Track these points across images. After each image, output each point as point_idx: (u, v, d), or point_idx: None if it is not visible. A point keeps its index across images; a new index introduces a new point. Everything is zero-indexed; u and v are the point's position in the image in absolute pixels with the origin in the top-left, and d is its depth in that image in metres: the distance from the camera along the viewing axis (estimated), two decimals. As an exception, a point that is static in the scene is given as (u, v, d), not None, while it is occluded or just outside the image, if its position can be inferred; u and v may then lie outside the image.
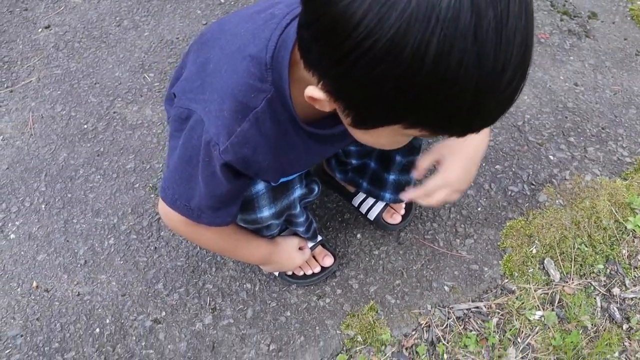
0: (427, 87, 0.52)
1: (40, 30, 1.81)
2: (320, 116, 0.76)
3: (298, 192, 1.00)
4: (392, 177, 1.20)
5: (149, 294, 1.26)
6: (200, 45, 0.86)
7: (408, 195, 0.95)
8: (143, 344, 1.19)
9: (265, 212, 0.96)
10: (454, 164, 0.94)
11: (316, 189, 1.07)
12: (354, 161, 1.22)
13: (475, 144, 0.95)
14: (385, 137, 0.68)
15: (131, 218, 1.38)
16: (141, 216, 1.38)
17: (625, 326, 1.23)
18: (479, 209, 1.38)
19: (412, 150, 1.15)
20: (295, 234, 1.19)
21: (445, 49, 0.49)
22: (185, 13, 1.85)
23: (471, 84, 0.51)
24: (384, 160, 1.18)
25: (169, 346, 1.19)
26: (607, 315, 1.25)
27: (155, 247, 1.33)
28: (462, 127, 0.59)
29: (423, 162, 0.97)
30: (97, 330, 1.21)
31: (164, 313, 1.23)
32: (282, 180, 0.92)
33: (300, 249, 1.20)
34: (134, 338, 1.20)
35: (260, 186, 0.92)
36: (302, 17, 0.59)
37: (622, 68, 1.69)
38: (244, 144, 0.75)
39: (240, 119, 0.74)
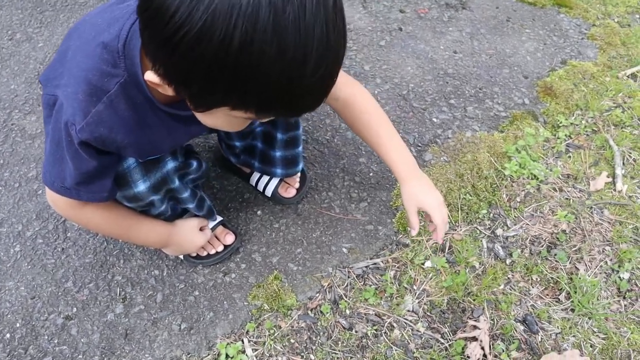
0: (236, 73, 0.60)
1: None
2: (178, 98, 0.82)
3: (170, 164, 1.04)
4: (278, 153, 1.28)
5: (59, 293, 1.28)
6: (65, 37, 0.91)
7: (439, 238, 1.13)
8: (56, 341, 1.22)
9: (141, 186, 1.00)
10: (427, 200, 1.11)
11: (195, 163, 1.12)
12: (237, 143, 1.29)
13: (416, 179, 1.13)
14: (221, 119, 0.78)
15: (36, 224, 1.40)
16: (46, 221, 1.40)
17: (508, 261, 1.35)
18: (371, 174, 1.47)
19: (290, 126, 1.23)
20: (195, 215, 1.25)
21: (247, 40, 0.57)
22: (78, 21, 1.87)
23: (275, 72, 0.60)
24: (268, 140, 1.26)
25: (82, 340, 1.22)
26: (492, 254, 1.37)
27: (63, 248, 1.35)
28: (278, 111, 0.69)
29: (414, 222, 1.13)
30: (8, 335, 1.23)
31: (75, 309, 1.26)
32: (151, 157, 0.98)
33: (201, 230, 1.26)
34: (46, 337, 1.23)
35: (131, 160, 0.97)
36: (137, 6, 0.66)
37: (495, 34, 1.84)
38: (99, 124, 0.82)
39: (95, 101, 0.80)
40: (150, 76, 0.70)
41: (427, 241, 1.35)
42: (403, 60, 1.75)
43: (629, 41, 1.91)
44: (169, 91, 0.71)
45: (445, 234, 1.37)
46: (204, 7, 0.57)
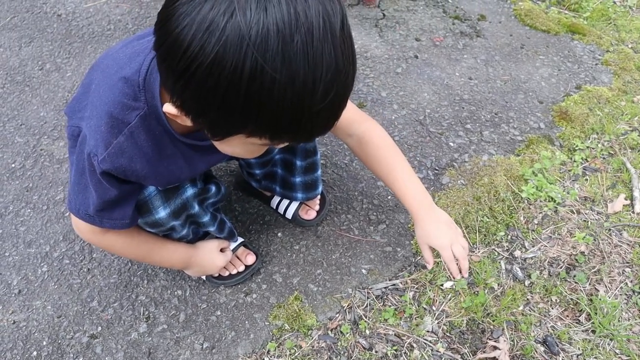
0: (248, 101, 0.63)
1: (-37, 81, 1.87)
2: (196, 129, 0.84)
3: (190, 191, 1.07)
4: (298, 179, 1.31)
5: (85, 313, 1.31)
6: (90, 69, 0.97)
7: (465, 271, 1.11)
8: (81, 359, 1.24)
9: (161, 213, 1.03)
10: (438, 238, 1.10)
11: (213, 188, 1.15)
12: (257, 171, 1.33)
13: (428, 218, 1.11)
14: (238, 147, 0.80)
15: (63, 245, 1.44)
16: (73, 242, 1.44)
17: (527, 282, 1.36)
18: (389, 197, 1.50)
19: (309, 153, 1.26)
20: (216, 237, 1.28)
21: (258, 68, 0.60)
22: (106, 52, 1.94)
23: (286, 98, 0.62)
24: (287, 167, 1.30)
25: (106, 358, 1.24)
26: (511, 275, 1.37)
27: (88, 269, 1.39)
28: (291, 136, 0.71)
29: (428, 258, 1.14)
30: (35, 353, 1.26)
31: (99, 328, 1.29)
32: (172, 186, 1.02)
33: (221, 251, 1.28)
34: (72, 355, 1.25)
35: (152, 188, 1.01)
36: (154, 42, 0.70)
37: (509, 60, 1.87)
38: (120, 155, 0.86)
39: (116, 133, 0.84)
40: (169, 108, 0.73)
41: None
42: (419, 87, 1.79)
43: (643, 66, 1.93)
44: (187, 122, 0.74)
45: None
46: (215, 39, 0.59)
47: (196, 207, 1.11)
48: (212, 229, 1.20)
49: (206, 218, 1.16)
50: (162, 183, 1.00)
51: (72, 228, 1.45)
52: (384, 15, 2.06)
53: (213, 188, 1.15)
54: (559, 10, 2.18)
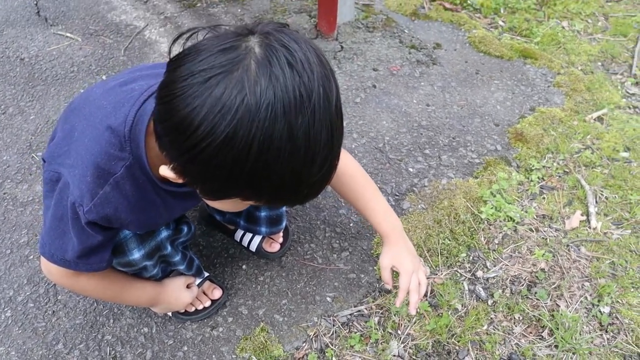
0: (252, 175, 0.67)
1: None
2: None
3: (164, 233, 1.10)
4: (263, 213, 1.33)
5: (50, 356, 1.30)
6: (68, 113, 0.96)
7: (413, 308, 1.14)
8: (45, 404, 1.23)
9: (136, 254, 1.05)
10: (403, 262, 1.16)
11: (185, 229, 1.17)
12: None
13: (400, 242, 1.19)
14: (228, 205, 0.84)
15: (27, 288, 1.42)
16: (37, 285, 1.43)
17: (490, 302, 1.38)
18: (351, 224, 1.52)
19: None
20: (182, 274, 1.29)
21: (264, 147, 0.64)
22: (69, 94, 1.96)
23: (287, 172, 0.67)
24: None
25: (71, 402, 1.23)
26: (474, 295, 1.40)
27: (53, 311, 1.38)
28: (285, 202, 0.79)
29: (387, 278, 1.19)
30: (-2, 400, 1.24)
31: (64, 371, 1.27)
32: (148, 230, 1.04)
33: (188, 287, 1.29)
34: (36, 401, 1.23)
35: (127, 231, 1.02)
36: (156, 113, 0.72)
37: (465, 86, 1.94)
38: (105, 205, 0.87)
39: (102, 183, 0.86)
40: (166, 172, 0.76)
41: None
42: (378, 115, 1.84)
43: (593, 87, 2.02)
44: (179, 180, 0.76)
45: (427, 278, 1.41)
46: (226, 122, 0.63)
47: (169, 248, 1.14)
48: (181, 267, 1.21)
49: (177, 257, 1.18)
50: (142, 228, 1.02)
51: (37, 271, 1.45)
52: (342, 47, 2.13)
53: (185, 229, 1.17)
54: (511, 37, 2.27)
